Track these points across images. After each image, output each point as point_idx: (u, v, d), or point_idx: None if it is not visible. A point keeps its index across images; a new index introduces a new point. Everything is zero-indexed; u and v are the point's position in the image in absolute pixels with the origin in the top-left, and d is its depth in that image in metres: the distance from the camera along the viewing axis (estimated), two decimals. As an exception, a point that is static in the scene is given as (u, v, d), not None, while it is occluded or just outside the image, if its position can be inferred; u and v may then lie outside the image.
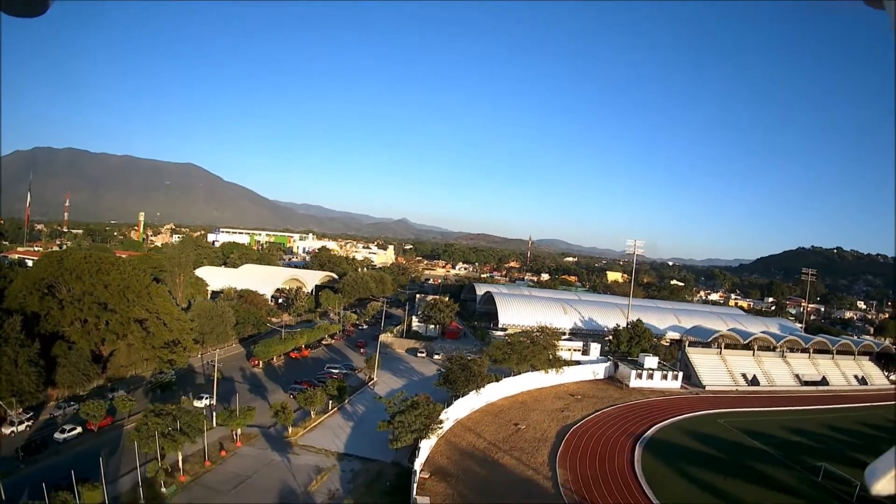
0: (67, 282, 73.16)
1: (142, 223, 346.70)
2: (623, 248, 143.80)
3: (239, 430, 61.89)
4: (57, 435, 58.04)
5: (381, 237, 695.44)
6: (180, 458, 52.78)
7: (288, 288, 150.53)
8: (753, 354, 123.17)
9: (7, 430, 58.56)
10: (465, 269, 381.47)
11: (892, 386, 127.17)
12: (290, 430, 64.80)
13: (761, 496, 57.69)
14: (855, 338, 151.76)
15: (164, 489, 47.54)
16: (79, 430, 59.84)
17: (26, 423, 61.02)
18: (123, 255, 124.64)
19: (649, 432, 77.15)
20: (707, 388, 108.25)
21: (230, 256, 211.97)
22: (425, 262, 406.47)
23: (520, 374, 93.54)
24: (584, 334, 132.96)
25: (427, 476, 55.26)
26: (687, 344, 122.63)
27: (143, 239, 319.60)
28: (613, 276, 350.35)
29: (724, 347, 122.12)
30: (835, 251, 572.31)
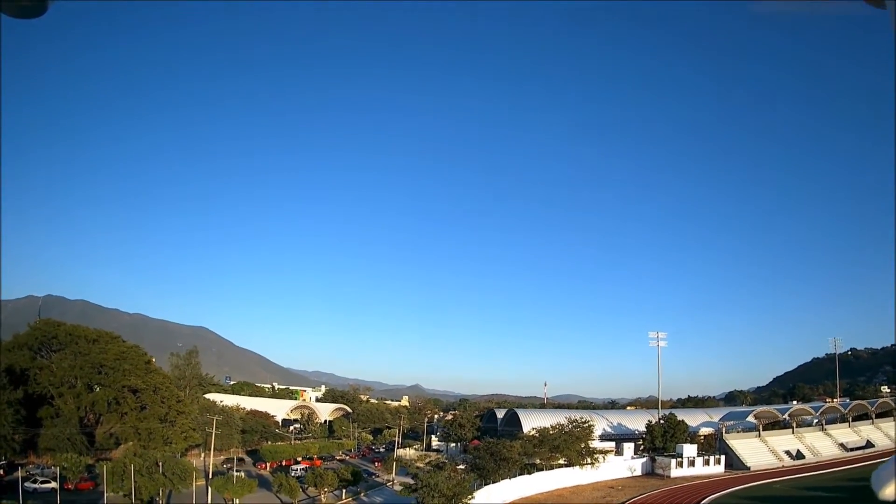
0: (63, 343, 69.17)
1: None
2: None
3: (237, 501, 55.83)
4: (28, 484, 52.34)
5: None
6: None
7: (300, 416, 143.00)
8: (793, 432, 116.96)
9: None
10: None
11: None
12: (295, 506, 58.84)
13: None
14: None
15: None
16: (53, 485, 53.43)
17: None
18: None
19: (706, 500, 70.79)
20: (752, 469, 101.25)
21: (241, 393, 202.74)
22: (441, 412, 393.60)
23: (552, 469, 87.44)
24: (615, 438, 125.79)
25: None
26: (724, 431, 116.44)
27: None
28: (631, 408, 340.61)
29: (763, 430, 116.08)
30: (849, 353, 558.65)
